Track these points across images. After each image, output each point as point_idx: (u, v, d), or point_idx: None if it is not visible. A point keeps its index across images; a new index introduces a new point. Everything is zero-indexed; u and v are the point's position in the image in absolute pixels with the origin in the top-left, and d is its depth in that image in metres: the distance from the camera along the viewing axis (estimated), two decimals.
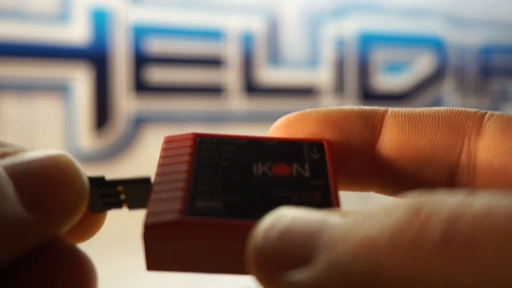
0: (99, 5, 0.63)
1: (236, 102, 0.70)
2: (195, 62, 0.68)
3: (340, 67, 0.77)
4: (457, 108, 0.17)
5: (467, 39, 0.85)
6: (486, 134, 0.16)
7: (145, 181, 0.16)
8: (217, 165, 0.16)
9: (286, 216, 0.12)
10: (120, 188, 0.16)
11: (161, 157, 0.16)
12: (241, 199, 0.14)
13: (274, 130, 0.18)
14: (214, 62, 0.69)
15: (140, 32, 0.65)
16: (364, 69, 0.78)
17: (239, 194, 0.15)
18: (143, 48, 0.65)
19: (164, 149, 0.16)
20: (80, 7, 0.62)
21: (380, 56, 0.79)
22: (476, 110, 0.17)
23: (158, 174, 0.15)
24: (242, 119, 0.71)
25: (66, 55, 0.62)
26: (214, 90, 0.69)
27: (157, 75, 0.66)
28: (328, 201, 0.15)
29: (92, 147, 0.63)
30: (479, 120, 0.16)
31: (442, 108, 0.17)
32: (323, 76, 0.75)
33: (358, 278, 0.10)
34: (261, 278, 0.12)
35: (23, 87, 0.60)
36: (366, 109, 0.17)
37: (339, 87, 0.76)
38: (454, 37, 0.84)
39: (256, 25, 0.71)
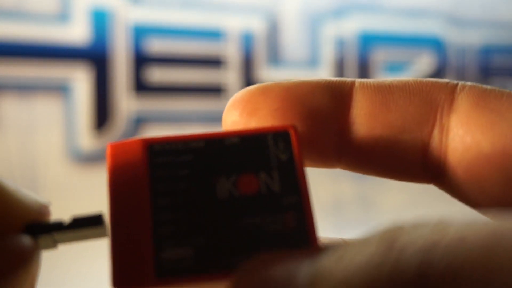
0: (99, 5, 0.63)
1: None
2: (195, 62, 0.68)
3: (340, 67, 0.77)
4: (428, 79, 0.16)
5: (467, 39, 0.85)
6: (459, 108, 0.15)
7: (96, 220, 0.14)
8: (176, 190, 0.14)
9: (259, 270, 0.11)
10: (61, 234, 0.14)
11: (111, 179, 0.14)
12: (211, 239, 0.13)
13: (233, 105, 0.16)
14: (214, 62, 0.69)
15: (140, 32, 0.65)
16: (364, 69, 0.78)
17: (208, 232, 0.13)
18: (143, 48, 0.65)
19: (112, 167, 0.14)
20: (80, 7, 0.62)
21: (380, 56, 0.79)
22: (447, 81, 0.16)
23: (112, 209, 0.14)
24: None
25: (66, 55, 0.62)
26: (214, 90, 0.69)
27: (157, 75, 0.66)
28: (302, 225, 0.14)
29: (92, 147, 0.63)
30: (451, 92, 0.15)
31: (412, 79, 0.16)
32: (323, 76, 0.75)
33: None
34: None
35: (23, 87, 0.60)
36: (333, 81, 0.16)
37: None
38: (454, 37, 0.84)
39: (256, 25, 0.71)
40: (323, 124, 0.16)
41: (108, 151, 0.14)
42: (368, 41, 0.78)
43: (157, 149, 0.14)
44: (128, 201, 0.14)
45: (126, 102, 0.65)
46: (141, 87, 0.65)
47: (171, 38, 0.67)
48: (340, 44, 0.76)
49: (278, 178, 0.14)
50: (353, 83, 0.16)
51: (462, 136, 0.15)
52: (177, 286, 0.13)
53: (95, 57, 0.63)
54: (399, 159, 0.16)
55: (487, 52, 0.86)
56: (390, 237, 0.10)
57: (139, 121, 0.66)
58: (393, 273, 0.09)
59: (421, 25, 0.82)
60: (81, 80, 0.62)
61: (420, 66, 0.82)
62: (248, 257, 0.12)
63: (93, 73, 0.63)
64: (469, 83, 0.16)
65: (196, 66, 0.68)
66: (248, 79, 0.71)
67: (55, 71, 0.61)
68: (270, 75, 0.72)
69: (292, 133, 0.15)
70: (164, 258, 0.13)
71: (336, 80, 0.16)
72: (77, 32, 0.62)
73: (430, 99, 0.16)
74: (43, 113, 0.61)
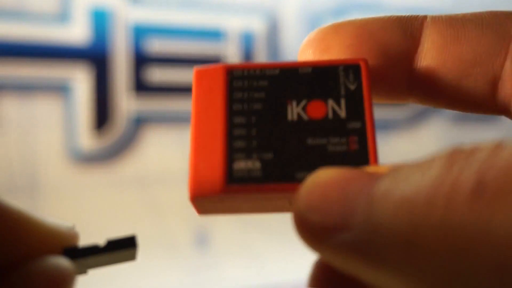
0: (99, 5, 0.63)
1: None
2: (195, 62, 0.68)
3: None
4: (501, 11, 0.16)
5: None
6: None
7: (130, 242, 0.14)
8: (251, 110, 0.15)
9: (323, 181, 0.12)
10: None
11: (195, 99, 0.16)
12: (278, 155, 0.14)
13: (307, 44, 0.17)
14: (214, 62, 0.69)
15: (140, 32, 0.65)
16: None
17: (276, 148, 0.15)
18: (143, 48, 0.65)
19: (197, 88, 0.16)
20: (80, 7, 0.62)
21: None
22: None
23: (195, 124, 0.15)
24: None
25: (66, 55, 0.62)
26: None
27: (157, 75, 0.66)
28: (364, 148, 0.14)
29: (92, 147, 0.63)
30: None
31: (485, 11, 0.16)
32: None
33: (396, 240, 0.10)
34: (307, 242, 0.12)
35: (23, 87, 0.60)
36: (404, 17, 0.17)
37: None
38: None
39: (256, 25, 0.71)
40: (395, 59, 0.16)
41: (194, 75, 0.16)
42: None
43: (236, 74, 0.16)
44: (208, 119, 0.15)
45: (126, 102, 0.65)
46: (141, 87, 0.65)
47: (171, 38, 0.67)
48: None
49: (345, 105, 0.15)
50: (424, 18, 0.17)
51: None
52: (245, 193, 0.14)
53: (95, 57, 0.63)
54: (470, 92, 0.16)
55: None
56: (450, 159, 0.10)
57: (139, 121, 0.66)
58: (450, 194, 0.10)
59: None
60: (81, 80, 0.62)
61: None
62: (312, 172, 0.13)
63: (93, 73, 0.63)
64: None
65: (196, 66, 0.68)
66: None
67: (55, 71, 0.61)
68: None
69: (362, 66, 0.16)
70: (235, 169, 0.14)
71: (407, 16, 0.17)
72: (77, 32, 0.62)
73: (503, 30, 0.16)
74: (43, 113, 0.61)
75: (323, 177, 0.12)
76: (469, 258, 0.10)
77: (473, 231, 0.10)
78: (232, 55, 0.70)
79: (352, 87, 0.15)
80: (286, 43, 0.73)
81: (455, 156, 0.11)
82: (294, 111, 0.15)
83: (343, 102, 0.15)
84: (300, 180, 0.13)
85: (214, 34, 0.69)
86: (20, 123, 0.60)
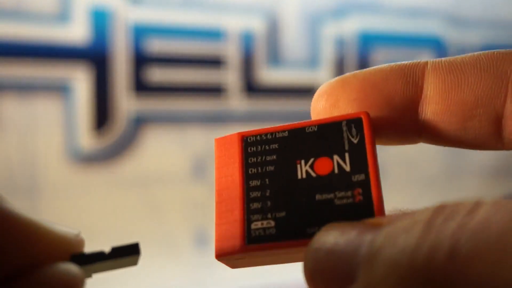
0: (99, 5, 0.63)
1: (236, 102, 0.70)
2: (195, 62, 0.68)
3: (340, 67, 0.77)
4: (498, 52, 0.17)
5: (467, 39, 0.85)
6: None
7: (133, 249, 0.15)
8: (264, 173, 0.17)
9: (328, 239, 0.13)
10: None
11: (217, 167, 0.17)
12: (290, 213, 0.16)
13: (318, 97, 0.18)
14: (214, 62, 0.69)
15: (140, 32, 0.65)
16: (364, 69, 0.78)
17: (288, 207, 0.16)
18: (143, 48, 0.65)
19: (217, 157, 0.18)
20: (80, 7, 0.62)
21: (380, 56, 0.79)
22: None
23: (217, 191, 0.17)
24: (242, 119, 0.71)
25: (66, 55, 0.62)
26: (214, 90, 0.69)
27: (157, 75, 0.66)
28: (369, 199, 0.15)
29: (92, 147, 0.63)
30: None
31: (483, 53, 0.17)
32: (323, 76, 0.75)
33: None
34: None
35: (23, 87, 0.60)
36: (406, 65, 0.18)
37: None
38: (454, 37, 0.84)
39: (256, 25, 0.71)
40: (400, 107, 0.17)
41: (214, 144, 0.18)
42: (368, 41, 0.78)
43: (250, 141, 0.17)
44: (227, 184, 0.17)
45: (126, 102, 0.65)
46: (141, 87, 0.65)
47: (171, 38, 0.67)
48: (340, 44, 0.76)
49: (349, 159, 0.16)
50: (425, 65, 0.17)
51: None
52: (262, 251, 0.15)
53: (95, 57, 0.63)
54: (476, 132, 0.17)
55: None
56: (431, 220, 0.11)
57: (139, 121, 0.66)
58: (429, 257, 0.11)
59: (421, 25, 0.82)
60: (81, 80, 0.62)
61: None
62: (321, 226, 0.14)
63: (93, 73, 0.63)
64: None
65: (196, 66, 0.68)
66: (248, 79, 0.71)
67: (55, 71, 0.61)
68: (270, 75, 0.72)
69: (364, 118, 0.17)
70: (252, 229, 0.16)
71: (409, 64, 0.18)
72: (77, 32, 0.62)
73: (501, 72, 0.17)
74: (43, 113, 0.61)
75: (327, 237, 0.13)
76: None
77: None
78: (232, 55, 0.70)
79: (355, 140, 0.16)
80: (286, 43, 0.73)
81: (436, 216, 0.11)
82: (303, 169, 0.16)
83: (347, 156, 0.16)
84: (311, 236, 0.14)
85: (214, 34, 0.69)
86: (20, 123, 0.60)
